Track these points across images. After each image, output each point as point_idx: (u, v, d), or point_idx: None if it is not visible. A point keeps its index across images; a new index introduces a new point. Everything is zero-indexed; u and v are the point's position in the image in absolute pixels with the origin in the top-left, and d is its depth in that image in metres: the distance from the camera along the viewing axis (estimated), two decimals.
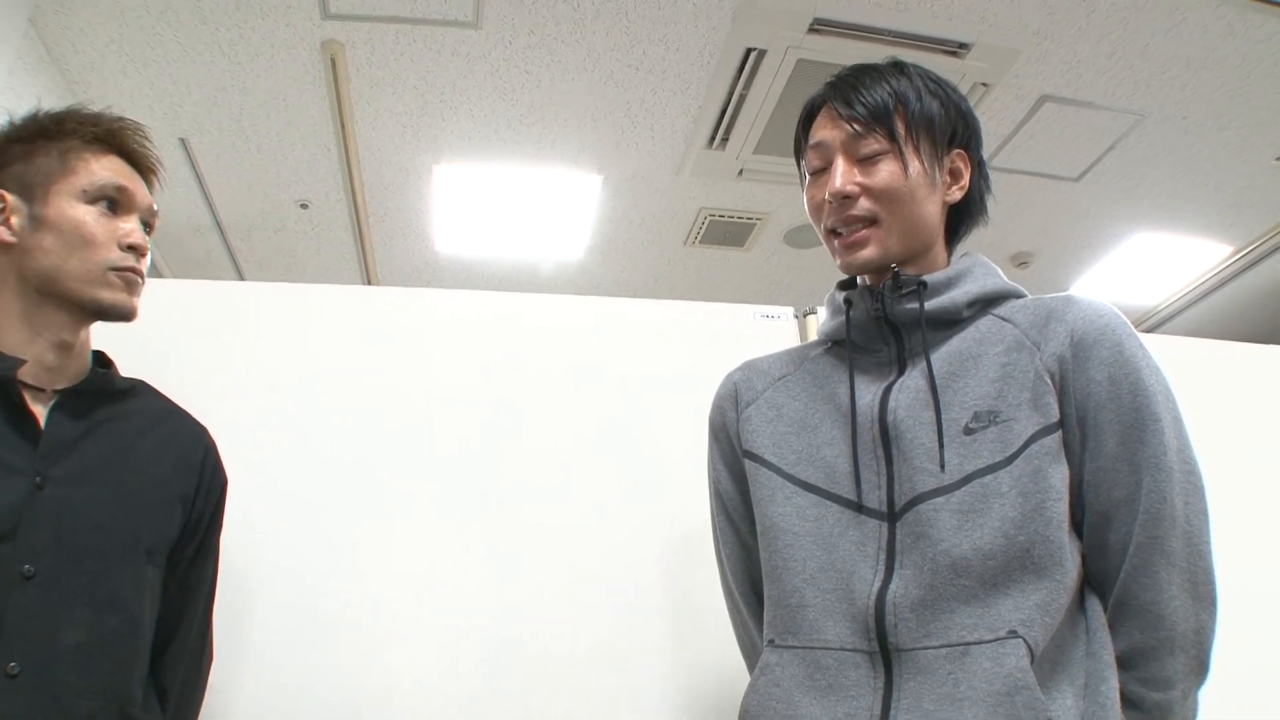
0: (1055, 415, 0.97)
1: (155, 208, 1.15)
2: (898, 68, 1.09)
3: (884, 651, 0.94)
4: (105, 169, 1.09)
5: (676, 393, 1.59)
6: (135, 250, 1.09)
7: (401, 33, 2.81)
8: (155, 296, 1.58)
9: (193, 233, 3.81)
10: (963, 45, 2.89)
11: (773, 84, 2.98)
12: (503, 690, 1.40)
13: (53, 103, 2.96)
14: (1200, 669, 0.94)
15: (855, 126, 1.04)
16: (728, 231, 3.96)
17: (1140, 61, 3.00)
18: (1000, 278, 1.09)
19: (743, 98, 3.08)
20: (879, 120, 1.04)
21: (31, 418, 1.02)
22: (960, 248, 1.15)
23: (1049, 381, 0.98)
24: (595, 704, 1.41)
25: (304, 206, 3.68)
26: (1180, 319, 4.64)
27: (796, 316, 1.62)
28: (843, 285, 1.14)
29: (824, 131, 1.08)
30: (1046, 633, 0.91)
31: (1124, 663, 0.93)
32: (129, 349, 1.33)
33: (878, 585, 0.96)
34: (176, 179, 3.46)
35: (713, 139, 3.32)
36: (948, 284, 1.06)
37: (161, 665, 1.12)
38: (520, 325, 1.65)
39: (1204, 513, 0.96)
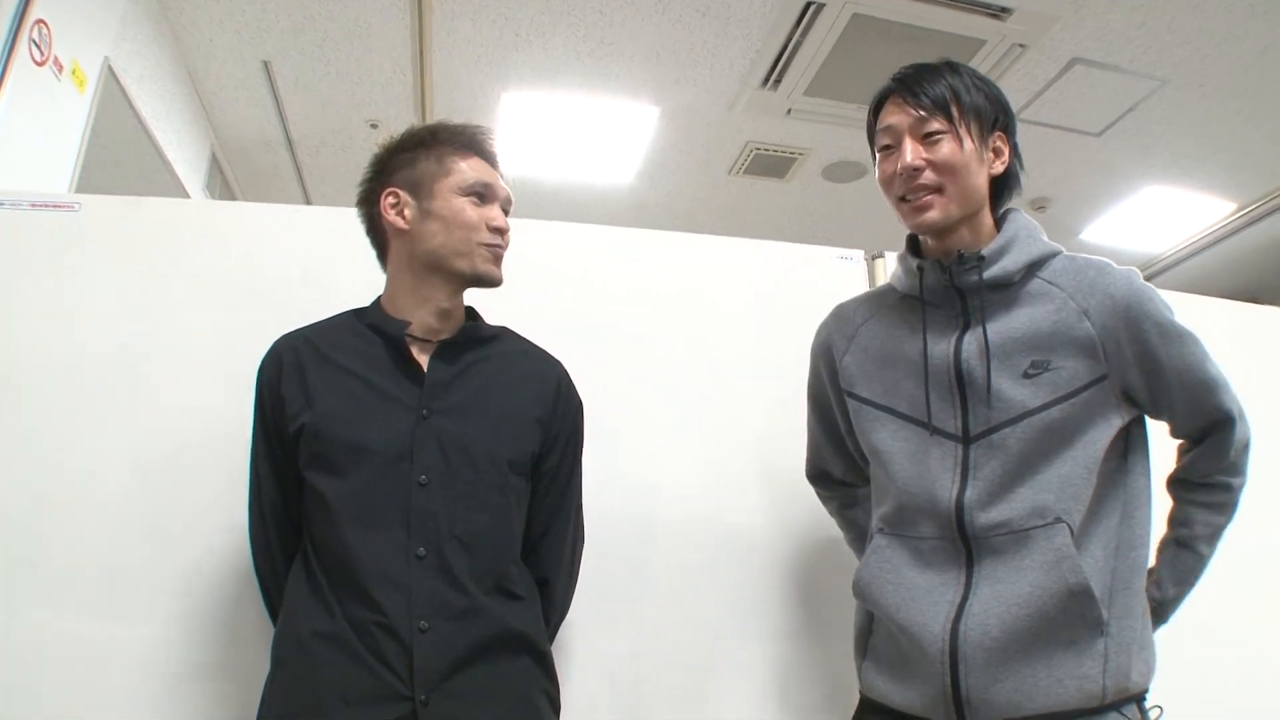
0: (1102, 370, 1.23)
1: (512, 197, 1.39)
2: (951, 67, 1.31)
3: (964, 538, 1.23)
4: (474, 169, 1.34)
5: (754, 322, 1.81)
6: (499, 231, 1.34)
7: None
8: (223, 216, 1.75)
9: (262, 147, 3.96)
10: (1004, 9, 3.08)
11: (828, 34, 3.13)
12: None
13: (147, 24, 2.90)
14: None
15: (920, 112, 1.27)
16: (771, 164, 4.14)
17: (1167, 33, 3.20)
18: (1040, 239, 1.31)
19: (799, 45, 3.24)
20: (940, 107, 1.27)
21: (417, 366, 1.31)
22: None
23: (1095, 342, 1.23)
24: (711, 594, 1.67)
25: (374, 126, 3.81)
26: (1182, 268, 4.87)
27: (866, 259, 1.88)
28: (910, 246, 1.40)
29: (892, 117, 1.30)
30: (1080, 514, 1.21)
31: (1227, 469, 1.30)
32: (205, 273, 1.60)
33: (955, 491, 1.24)
34: (253, 98, 3.62)
35: (766, 80, 3.50)
36: (1000, 253, 1.28)
37: (541, 553, 1.38)
38: (609, 256, 1.81)
39: None
